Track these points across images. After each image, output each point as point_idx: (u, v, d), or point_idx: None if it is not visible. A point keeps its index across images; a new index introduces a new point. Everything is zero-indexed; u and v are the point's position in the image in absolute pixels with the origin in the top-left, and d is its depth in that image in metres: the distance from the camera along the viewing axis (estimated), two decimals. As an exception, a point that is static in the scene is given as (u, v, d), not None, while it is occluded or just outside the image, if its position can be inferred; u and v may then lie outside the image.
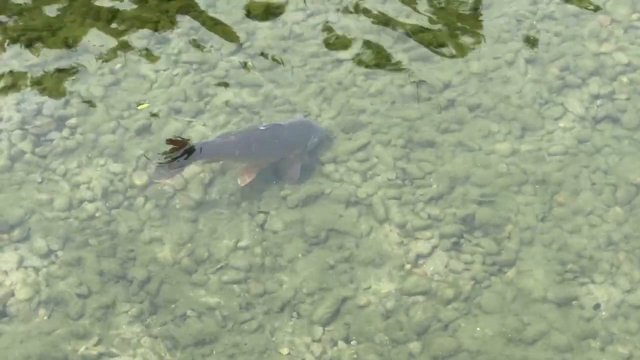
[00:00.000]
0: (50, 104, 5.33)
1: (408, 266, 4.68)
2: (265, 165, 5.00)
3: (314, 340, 4.49)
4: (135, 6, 5.82)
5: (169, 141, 4.91)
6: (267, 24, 5.73)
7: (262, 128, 5.04)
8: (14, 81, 5.44)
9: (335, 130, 5.20)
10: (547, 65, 5.53)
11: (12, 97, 5.36)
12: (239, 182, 4.93)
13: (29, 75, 5.50)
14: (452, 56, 5.57)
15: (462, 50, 5.60)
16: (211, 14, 5.79)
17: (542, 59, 5.56)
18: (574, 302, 4.59)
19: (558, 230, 4.81)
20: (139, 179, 5.00)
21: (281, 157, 5.02)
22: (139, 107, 5.30)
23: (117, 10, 5.77)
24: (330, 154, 5.11)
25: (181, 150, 4.87)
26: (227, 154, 4.97)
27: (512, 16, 5.76)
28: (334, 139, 5.16)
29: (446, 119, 5.24)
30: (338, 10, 5.81)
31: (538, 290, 4.60)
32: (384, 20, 5.74)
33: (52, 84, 5.44)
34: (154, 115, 5.23)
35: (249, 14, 5.79)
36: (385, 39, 5.65)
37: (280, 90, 5.39)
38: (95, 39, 5.61)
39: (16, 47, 5.63)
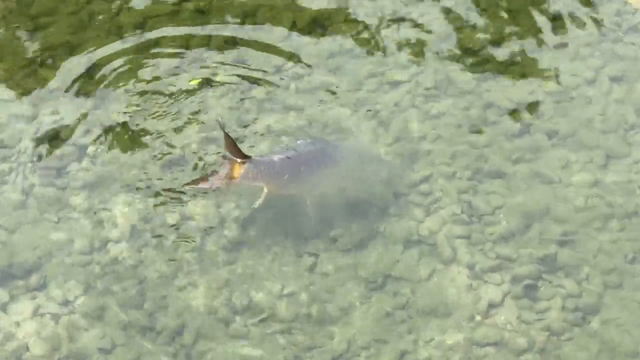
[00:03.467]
0: (69, 131, 5.17)
1: (478, 317, 4.48)
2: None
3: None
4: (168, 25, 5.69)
5: (228, 137, 4.58)
6: (314, 39, 5.56)
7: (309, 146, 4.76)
8: (35, 111, 5.27)
9: (394, 159, 5.00)
10: (634, 83, 5.33)
11: (31, 126, 5.20)
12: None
13: (49, 101, 5.32)
14: (524, 74, 5.40)
15: (536, 68, 5.43)
16: (251, 28, 5.64)
17: (628, 76, 5.37)
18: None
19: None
20: (170, 217, 4.79)
21: (337, 188, 4.77)
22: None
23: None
24: (392, 186, 4.90)
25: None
26: (272, 175, 4.62)
27: (593, 27, 5.61)
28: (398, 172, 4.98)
29: (518, 147, 5.05)
30: (394, 21, 5.65)
31: (628, 342, 4.37)
32: (447, 34, 5.59)
33: (72, 108, 5.28)
34: (187, 146, 5.02)
35: (294, 26, 5.62)
36: (448, 54, 5.49)
37: (329, 114, 5.19)
38: (121, 59, 5.46)
39: (36, 73, 5.48)
